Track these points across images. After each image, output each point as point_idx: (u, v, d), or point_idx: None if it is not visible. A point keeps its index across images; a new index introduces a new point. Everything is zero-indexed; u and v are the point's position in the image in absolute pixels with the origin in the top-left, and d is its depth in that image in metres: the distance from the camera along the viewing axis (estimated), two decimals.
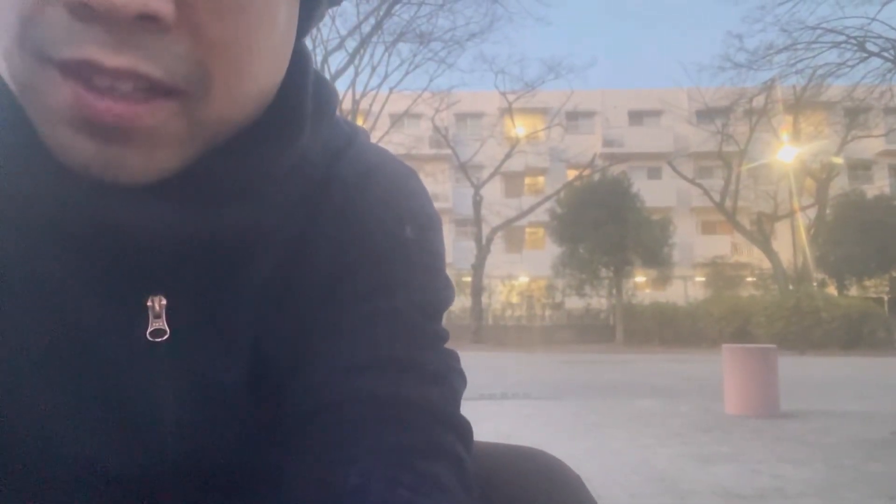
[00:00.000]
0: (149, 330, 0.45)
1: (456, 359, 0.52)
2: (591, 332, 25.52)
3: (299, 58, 0.46)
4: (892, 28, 24.05)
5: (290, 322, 0.48)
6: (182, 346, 0.46)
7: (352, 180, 0.51)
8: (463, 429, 0.49)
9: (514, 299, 28.99)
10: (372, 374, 0.46)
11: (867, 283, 25.58)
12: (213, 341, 0.47)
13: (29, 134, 0.39)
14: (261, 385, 0.48)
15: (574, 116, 33.27)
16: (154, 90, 0.37)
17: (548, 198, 27.14)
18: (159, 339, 0.45)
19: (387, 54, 22.77)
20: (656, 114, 35.49)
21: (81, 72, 0.35)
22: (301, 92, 0.46)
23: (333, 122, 0.53)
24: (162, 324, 0.45)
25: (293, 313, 0.48)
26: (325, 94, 0.50)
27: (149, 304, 0.45)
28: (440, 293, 0.53)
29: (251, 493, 0.51)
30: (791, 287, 23.61)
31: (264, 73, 0.41)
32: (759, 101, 25.21)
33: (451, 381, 0.50)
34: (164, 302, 0.45)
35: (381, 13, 20.64)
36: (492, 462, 0.54)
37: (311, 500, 0.44)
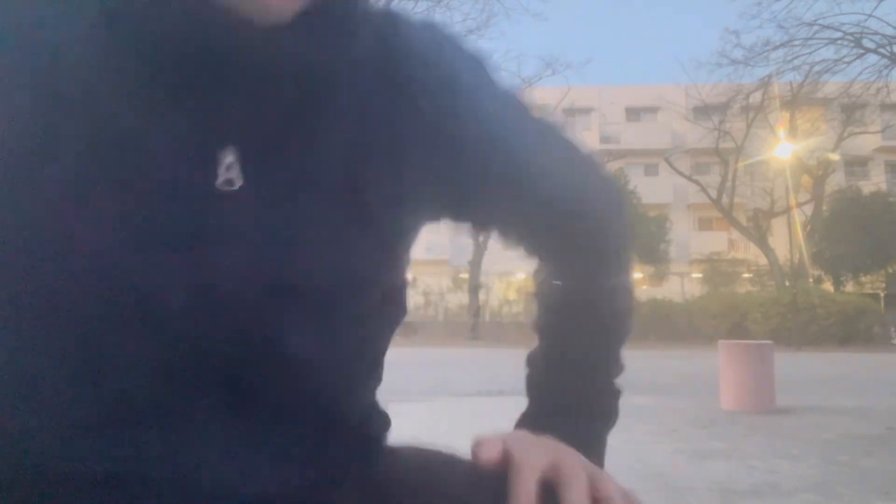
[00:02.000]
0: (219, 180, 0.45)
1: (560, 127, 0.65)
2: None
3: None
4: (889, 24, 24.08)
5: (390, 168, 0.51)
6: (255, 197, 0.46)
7: (412, 26, 0.55)
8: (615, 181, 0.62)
9: (512, 296, 28.99)
10: (524, 196, 0.61)
11: (863, 279, 25.67)
12: (289, 192, 0.47)
13: None
14: (355, 229, 0.49)
15: (571, 113, 33.21)
16: None
17: None
18: (230, 189, 0.45)
19: None
20: (653, 110, 35.49)
21: None
22: None
23: None
24: (234, 174, 0.45)
25: (391, 158, 0.51)
26: None
27: (219, 156, 0.45)
28: (519, 93, 0.62)
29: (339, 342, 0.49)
30: (787, 283, 23.69)
31: None
32: (755, 98, 25.25)
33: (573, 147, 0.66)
34: (236, 154, 0.45)
35: None
36: None
37: None
